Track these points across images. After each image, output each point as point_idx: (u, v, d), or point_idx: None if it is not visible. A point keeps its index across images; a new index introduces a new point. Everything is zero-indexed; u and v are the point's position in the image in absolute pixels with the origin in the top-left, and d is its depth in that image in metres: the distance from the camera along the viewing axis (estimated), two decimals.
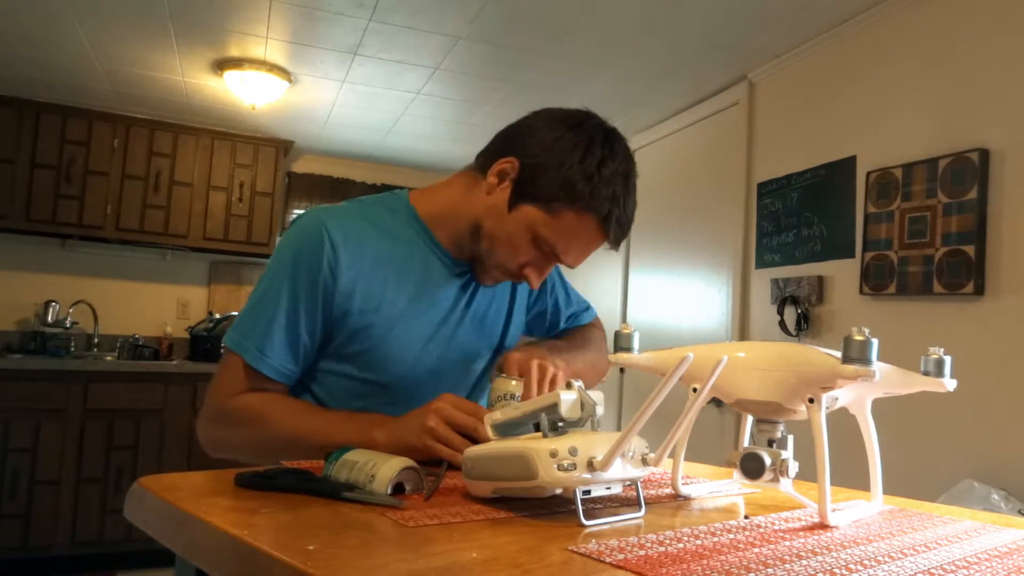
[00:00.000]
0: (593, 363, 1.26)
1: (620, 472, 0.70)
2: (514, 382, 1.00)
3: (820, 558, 0.60)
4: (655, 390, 0.66)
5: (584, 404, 0.77)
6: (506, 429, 0.83)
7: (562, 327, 1.37)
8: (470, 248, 1.10)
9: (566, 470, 0.67)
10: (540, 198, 1.01)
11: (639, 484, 0.76)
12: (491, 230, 1.06)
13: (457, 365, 1.16)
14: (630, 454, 0.72)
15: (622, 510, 0.75)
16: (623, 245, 3.72)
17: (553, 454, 0.67)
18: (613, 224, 1.01)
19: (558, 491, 0.71)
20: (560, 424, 0.75)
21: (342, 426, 0.98)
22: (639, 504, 0.75)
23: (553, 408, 0.75)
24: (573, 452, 0.68)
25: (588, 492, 0.71)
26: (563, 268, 1.24)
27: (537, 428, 0.76)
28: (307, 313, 1.04)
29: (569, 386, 0.78)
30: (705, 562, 0.57)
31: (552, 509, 0.73)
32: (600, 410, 0.78)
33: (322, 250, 1.04)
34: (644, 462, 0.73)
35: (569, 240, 1.02)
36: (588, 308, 1.42)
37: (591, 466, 0.68)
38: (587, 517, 0.69)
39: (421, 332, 1.10)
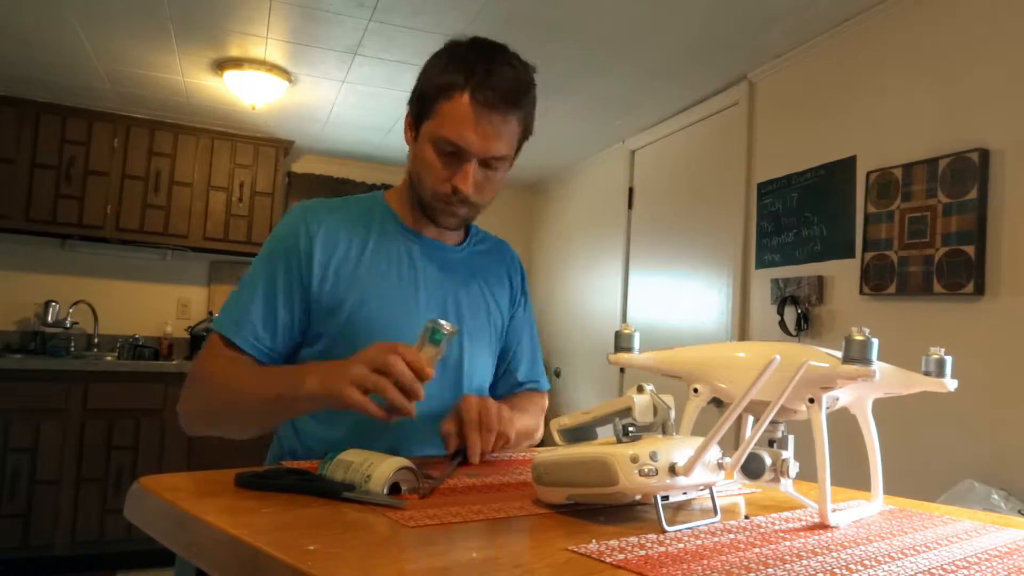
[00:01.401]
0: (530, 429, 1.24)
1: (699, 478, 0.68)
2: (445, 324, 0.93)
3: (820, 558, 0.60)
4: (741, 395, 0.65)
5: (657, 408, 0.75)
6: (574, 435, 0.81)
7: (520, 379, 1.35)
8: (418, 204, 1.16)
9: (647, 475, 0.64)
10: (424, 115, 1.09)
11: (713, 489, 0.74)
12: (412, 167, 1.14)
13: None
14: (705, 459, 0.70)
15: (695, 515, 0.73)
16: (623, 245, 3.75)
17: (634, 459, 0.65)
18: (478, 87, 1.04)
19: (637, 497, 0.68)
20: (631, 429, 0.72)
21: (279, 377, 1.00)
22: (714, 510, 0.73)
23: (626, 412, 0.73)
24: (654, 457, 0.65)
25: (666, 498, 0.68)
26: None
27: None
28: (284, 289, 1.10)
29: (641, 389, 0.75)
30: (705, 562, 0.57)
31: (552, 509, 0.73)
32: (672, 414, 0.76)
33: (299, 233, 1.11)
34: (719, 467, 0.70)
35: (455, 127, 1.05)
36: (544, 380, 1.42)
37: (672, 471, 0.65)
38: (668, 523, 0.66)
39: (395, 310, 1.13)
